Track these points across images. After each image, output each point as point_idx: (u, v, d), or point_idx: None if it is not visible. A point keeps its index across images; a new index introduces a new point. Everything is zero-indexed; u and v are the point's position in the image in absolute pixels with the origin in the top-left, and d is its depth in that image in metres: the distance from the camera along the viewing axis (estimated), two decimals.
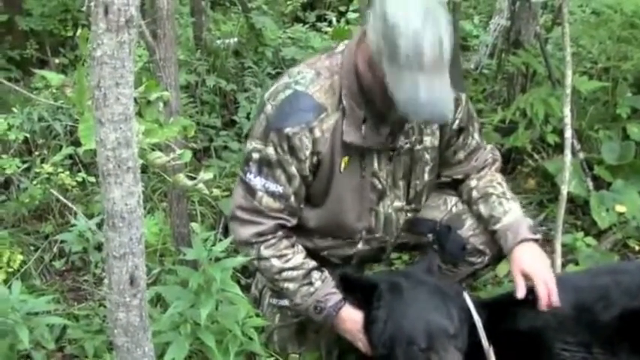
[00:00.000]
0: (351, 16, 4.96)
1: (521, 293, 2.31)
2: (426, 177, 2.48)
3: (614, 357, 2.29)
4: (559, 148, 3.41)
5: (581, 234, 3.19)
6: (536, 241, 2.40)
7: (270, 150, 2.26)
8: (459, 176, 2.55)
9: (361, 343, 2.32)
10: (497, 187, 2.49)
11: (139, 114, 1.98)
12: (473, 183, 2.53)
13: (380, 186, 2.41)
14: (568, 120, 2.73)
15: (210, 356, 2.28)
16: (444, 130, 2.42)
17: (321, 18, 5.32)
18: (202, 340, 2.24)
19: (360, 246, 2.52)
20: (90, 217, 2.58)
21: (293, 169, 2.28)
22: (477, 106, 3.83)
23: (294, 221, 2.37)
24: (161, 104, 2.07)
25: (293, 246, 2.37)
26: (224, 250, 2.23)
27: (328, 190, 2.36)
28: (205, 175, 2.06)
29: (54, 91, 3.15)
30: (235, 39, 4.51)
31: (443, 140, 2.44)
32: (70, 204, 2.44)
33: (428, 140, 2.42)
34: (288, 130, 2.23)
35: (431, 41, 2.02)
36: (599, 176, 3.45)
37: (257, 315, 2.44)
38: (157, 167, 1.97)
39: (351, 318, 2.32)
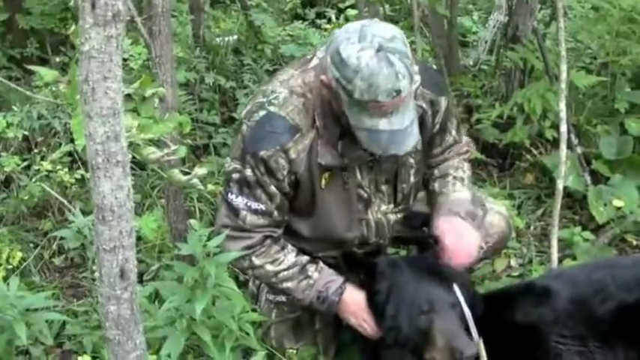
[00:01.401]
0: (350, 12, 4.96)
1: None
2: (412, 179, 2.48)
3: (611, 351, 2.29)
4: (557, 143, 3.41)
5: (578, 228, 3.19)
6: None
7: (249, 172, 2.28)
8: (432, 165, 2.56)
9: (365, 323, 2.34)
10: (459, 171, 2.51)
11: (135, 110, 1.99)
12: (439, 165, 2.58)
13: (365, 195, 2.42)
14: (563, 115, 2.73)
15: (206, 351, 2.30)
16: (424, 134, 2.40)
17: (320, 15, 5.32)
18: (198, 335, 2.26)
19: (355, 250, 2.53)
20: (89, 213, 2.59)
21: (273, 188, 2.29)
22: (476, 101, 3.83)
23: (279, 231, 2.38)
24: (156, 100, 2.08)
25: (283, 248, 2.38)
26: (219, 245, 2.25)
27: (314, 205, 2.37)
28: (200, 170, 2.07)
29: (53, 89, 3.16)
30: (234, 36, 4.52)
31: (424, 143, 2.44)
32: (66, 202, 2.45)
33: None
34: (262, 153, 2.24)
35: (385, 77, 2.02)
36: (597, 171, 3.45)
37: (254, 310, 2.45)
38: (152, 162, 1.97)
39: (354, 300, 2.35)
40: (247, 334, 2.35)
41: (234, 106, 4.01)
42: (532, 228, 3.35)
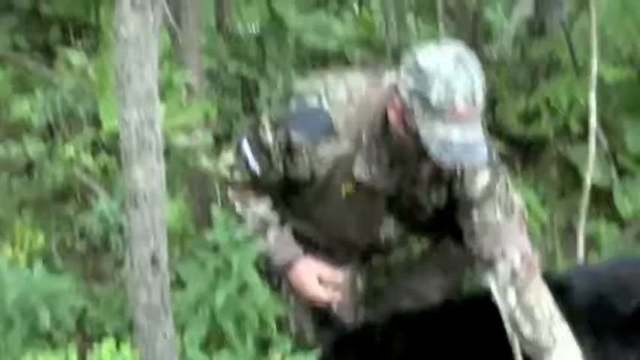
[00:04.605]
0: (374, 2, 4.93)
1: None
2: (424, 219, 2.47)
3: (631, 349, 2.27)
4: (582, 137, 3.38)
5: (603, 223, 3.16)
6: None
7: (270, 138, 2.30)
8: (477, 252, 2.33)
9: (314, 289, 2.37)
10: (545, 309, 2.23)
11: (162, 97, 1.99)
12: (512, 298, 2.25)
13: (383, 217, 2.43)
14: (593, 108, 2.70)
15: (227, 339, 2.29)
16: (452, 196, 2.35)
17: (342, 4, 5.29)
18: (220, 323, 2.26)
19: (362, 249, 2.58)
20: (111, 199, 2.59)
21: (278, 164, 2.31)
22: (500, 94, 3.80)
23: (260, 190, 2.40)
24: (184, 87, 2.08)
25: (259, 197, 2.41)
26: (244, 235, 2.24)
27: (328, 208, 2.39)
28: (227, 157, 2.06)
29: (76, 74, 3.16)
30: (257, 25, 4.50)
31: (452, 203, 2.36)
32: (93, 184, 2.45)
33: (434, 197, 2.38)
34: (293, 134, 2.26)
35: (464, 83, 2.01)
36: (622, 165, 3.43)
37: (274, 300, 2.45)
38: (179, 149, 1.97)
39: (307, 268, 2.38)
40: (269, 324, 2.35)
41: (257, 95, 3.99)
42: (556, 221, 3.32)
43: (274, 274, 2.43)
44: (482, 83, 2.05)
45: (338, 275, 2.42)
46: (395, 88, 2.14)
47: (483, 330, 2.30)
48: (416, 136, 2.09)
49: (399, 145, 2.20)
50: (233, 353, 2.24)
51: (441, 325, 2.35)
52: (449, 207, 2.37)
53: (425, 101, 2.04)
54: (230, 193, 2.42)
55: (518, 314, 2.23)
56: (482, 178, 2.29)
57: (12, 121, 3.38)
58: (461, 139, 2.05)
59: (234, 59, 4.08)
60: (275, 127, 2.31)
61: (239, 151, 2.38)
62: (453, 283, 2.73)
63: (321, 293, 2.38)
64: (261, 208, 2.40)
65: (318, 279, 2.38)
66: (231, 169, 2.39)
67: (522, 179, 3.51)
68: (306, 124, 2.26)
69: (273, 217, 2.41)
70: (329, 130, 2.26)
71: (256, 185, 2.39)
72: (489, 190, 2.30)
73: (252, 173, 2.35)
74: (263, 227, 2.39)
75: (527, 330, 2.21)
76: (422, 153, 2.11)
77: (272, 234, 2.39)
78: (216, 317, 2.26)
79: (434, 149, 2.07)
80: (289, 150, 2.27)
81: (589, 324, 2.26)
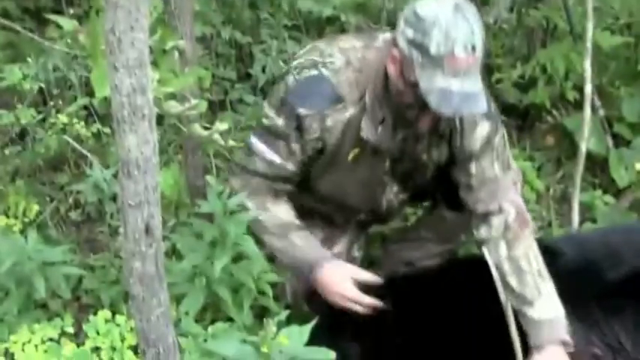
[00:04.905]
0: None
1: None
2: (427, 179, 2.48)
3: (616, 315, 2.28)
4: (579, 105, 3.36)
5: (599, 192, 3.16)
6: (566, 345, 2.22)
7: (280, 122, 2.27)
8: (473, 206, 2.37)
9: (353, 292, 2.28)
10: (532, 262, 2.28)
11: (155, 63, 1.96)
12: (503, 251, 2.30)
13: (385, 179, 2.42)
14: (588, 75, 2.68)
15: (224, 309, 2.29)
16: (452, 152, 2.35)
17: None
18: (217, 292, 2.26)
19: (362, 217, 2.58)
20: (105, 168, 2.57)
21: (296, 145, 2.28)
22: (496, 61, 3.77)
23: (280, 187, 2.37)
24: (176, 54, 2.05)
25: (277, 202, 2.37)
26: (239, 204, 2.23)
27: (333, 175, 2.38)
28: (221, 125, 2.04)
29: (68, 41, 3.12)
30: None
31: (452, 158, 2.37)
32: (87, 153, 2.43)
33: (435, 154, 2.38)
34: (300, 110, 2.23)
35: (463, 32, 1.99)
36: (618, 134, 3.42)
37: (271, 270, 2.45)
38: (172, 116, 1.95)
39: (335, 273, 2.30)
40: (265, 293, 2.35)
41: (251, 61, 3.96)
42: (552, 190, 3.32)
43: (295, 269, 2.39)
44: (481, 33, 2.03)
45: (374, 278, 2.32)
46: (393, 41, 2.13)
47: (474, 292, 2.31)
48: (415, 87, 2.07)
49: (399, 100, 2.18)
50: (230, 322, 2.25)
51: (432, 288, 2.36)
52: (448, 166, 2.38)
53: (424, 51, 2.02)
54: (249, 203, 2.33)
55: (506, 267, 2.28)
56: (482, 130, 2.30)
57: (4, 88, 3.35)
58: (460, 89, 2.02)
59: (228, 25, 4.03)
60: (279, 108, 2.27)
61: (251, 151, 2.32)
62: (448, 252, 2.74)
63: (362, 296, 2.27)
64: (280, 210, 2.36)
65: (354, 282, 2.29)
66: (244, 170, 2.35)
67: (518, 147, 3.50)
68: (310, 96, 2.24)
69: (294, 219, 2.37)
70: (335, 98, 2.23)
71: (275, 179, 2.33)
72: (488, 142, 2.31)
73: (274, 164, 2.31)
74: (284, 230, 2.34)
75: (513, 282, 2.26)
76: (421, 106, 2.10)
77: (296, 235, 2.34)
78: (212, 286, 2.26)
79: (433, 100, 2.04)
80: (299, 128, 2.25)
81: (576, 289, 2.26)
